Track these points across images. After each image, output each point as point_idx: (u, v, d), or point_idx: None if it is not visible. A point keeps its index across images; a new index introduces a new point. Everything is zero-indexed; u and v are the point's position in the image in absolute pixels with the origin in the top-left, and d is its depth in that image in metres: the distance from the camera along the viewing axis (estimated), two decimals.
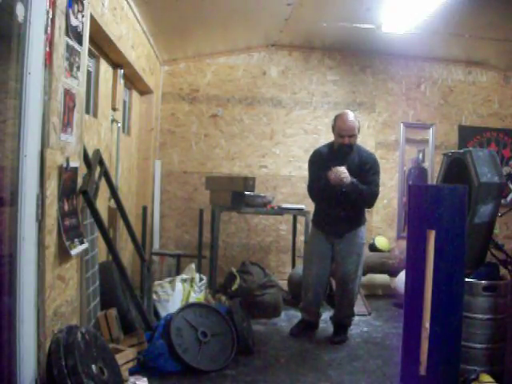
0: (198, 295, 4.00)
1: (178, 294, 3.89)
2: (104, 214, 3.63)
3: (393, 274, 5.14)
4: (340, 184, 3.48)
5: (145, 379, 2.75)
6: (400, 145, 5.81)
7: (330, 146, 3.79)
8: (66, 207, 2.37)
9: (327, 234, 3.74)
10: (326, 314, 4.25)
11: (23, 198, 1.98)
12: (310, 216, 4.10)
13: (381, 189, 5.67)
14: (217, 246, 4.76)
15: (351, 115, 3.65)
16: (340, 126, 3.61)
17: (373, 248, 5.43)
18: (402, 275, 4.52)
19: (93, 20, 2.77)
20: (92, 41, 3.07)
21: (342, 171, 3.46)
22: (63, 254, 2.34)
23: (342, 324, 3.83)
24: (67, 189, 2.38)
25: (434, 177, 5.59)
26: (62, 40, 2.24)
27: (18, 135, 1.97)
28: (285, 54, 5.69)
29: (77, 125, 2.50)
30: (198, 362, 3.03)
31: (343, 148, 3.62)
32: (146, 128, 5.19)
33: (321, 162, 3.71)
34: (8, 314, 1.98)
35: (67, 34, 2.31)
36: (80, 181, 2.61)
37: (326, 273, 3.82)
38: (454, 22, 4.41)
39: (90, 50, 3.01)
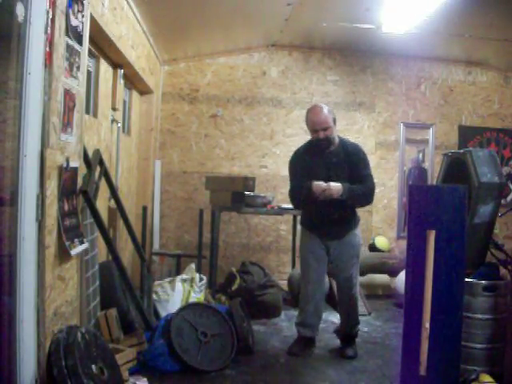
0: (197, 295, 3.99)
1: (178, 293, 3.89)
2: (104, 214, 3.62)
3: (393, 273, 5.14)
4: (331, 197, 3.27)
5: (145, 379, 2.75)
6: (400, 145, 5.81)
7: (310, 143, 3.53)
8: (66, 207, 2.37)
9: (321, 237, 3.49)
10: (326, 315, 4.25)
11: (23, 198, 1.98)
12: None
13: (381, 189, 5.77)
14: (217, 246, 4.76)
15: (323, 107, 3.39)
16: (312, 120, 3.38)
17: (373, 248, 5.43)
18: (402, 275, 4.52)
19: (93, 20, 2.77)
20: (92, 41, 3.07)
21: (330, 188, 3.24)
22: (63, 254, 2.34)
23: (349, 336, 3.56)
24: (67, 189, 2.38)
25: (434, 177, 5.59)
26: (62, 40, 2.24)
27: (17, 135, 1.97)
28: (285, 54, 5.69)
29: (77, 125, 2.50)
30: (198, 362, 3.03)
31: (320, 143, 3.37)
32: (146, 128, 5.19)
33: (302, 162, 3.49)
34: (8, 314, 1.98)
35: (67, 34, 2.31)
36: (80, 181, 2.61)
37: (324, 277, 3.62)
38: (454, 22, 4.42)
39: (90, 50, 3.01)
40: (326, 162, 3.40)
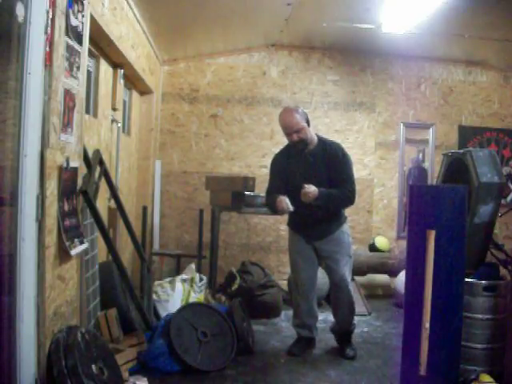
0: (197, 295, 4.00)
1: (178, 293, 3.89)
2: (104, 214, 3.62)
3: (393, 274, 5.14)
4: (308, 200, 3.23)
5: (145, 379, 2.75)
6: (400, 145, 5.81)
7: (289, 144, 3.49)
8: (66, 207, 2.37)
9: (306, 237, 3.48)
10: (326, 315, 4.25)
11: (23, 198, 1.99)
12: None
13: (381, 189, 5.78)
14: (217, 246, 4.76)
15: (293, 110, 3.36)
16: (282, 125, 3.39)
17: (373, 248, 5.43)
18: (402, 275, 4.52)
19: (93, 20, 2.77)
20: (92, 41, 3.07)
21: (306, 192, 3.19)
22: (63, 254, 2.34)
23: (346, 333, 3.53)
24: (67, 189, 2.38)
25: (434, 177, 5.59)
26: (61, 40, 2.24)
27: (18, 135, 1.97)
28: (285, 54, 5.69)
29: (77, 125, 2.50)
30: (198, 362, 3.03)
31: (297, 145, 3.36)
32: (146, 128, 5.19)
33: (279, 165, 3.50)
34: (8, 313, 1.98)
35: (67, 34, 2.31)
36: (80, 181, 2.61)
37: (315, 275, 3.56)
38: (454, 22, 4.41)
39: (90, 50, 3.01)
40: (304, 162, 3.37)
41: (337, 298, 3.53)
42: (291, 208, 3.26)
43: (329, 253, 3.44)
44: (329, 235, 3.43)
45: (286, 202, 3.26)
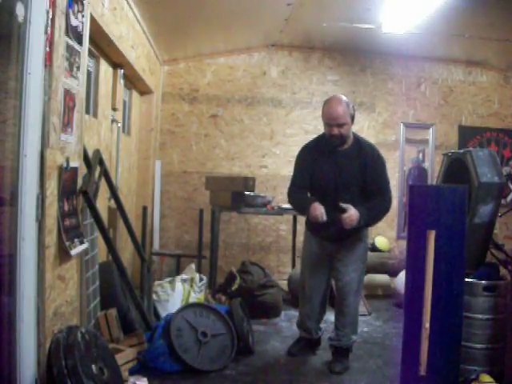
0: (197, 295, 4.00)
1: (178, 293, 3.89)
2: (104, 214, 3.63)
3: (393, 274, 5.14)
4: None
5: (145, 379, 2.75)
6: (400, 145, 5.81)
7: (321, 138, 3.23)
8: (66, 207, 2.37)
9: (323, 240, 3.26)
10: (327, 315, 4.25)
11: (23, 198, 1.99)
12: None
13: None
14: (217, 246, 4.76)
15: (342, 101, 3.06)
16: (326, 113, 3.06)
17: (373, 248, 5.43)
18: (402, 275, 4.52)
19: (93, 20, 2.77)
20: (92, 41, 3.07)
21: (347, 220, 2.96)
22: (63, 254, 2.34)
23: (342, 347, 3.25)
24: (67, 189, 2.38)
25: (434, 177, 5.60)
26: (61, 40, 2.24)
27: (18, 135, 1.97)
28: (285, 54, 5.69)
29: (77, 125, 2.50)
30: (198, 362, 3.03)
31: (332, 139, 3.07)
32: (146, 128, 5.19)
33: (308, 159, 3.22)
34: (8, 313, 1.98)
35: (67, 34, 2.31)
36: (80, 181, 2.61)
37: (324, 282, 3.35)
38: (454, 22, 4.42)
39: (90, 50, 3.01)
40: (335, 161, 3.11)
41: (339, 305, 3.30)
42: (325, 218, 2.98)
43: (341, 255, 3.23)
44: (345, 240, 3.20)
45: (321, 211, 2.98)
